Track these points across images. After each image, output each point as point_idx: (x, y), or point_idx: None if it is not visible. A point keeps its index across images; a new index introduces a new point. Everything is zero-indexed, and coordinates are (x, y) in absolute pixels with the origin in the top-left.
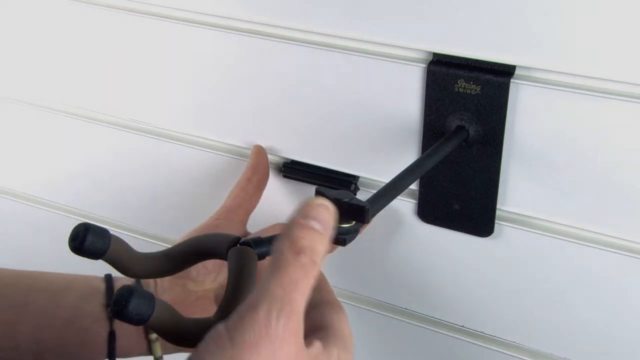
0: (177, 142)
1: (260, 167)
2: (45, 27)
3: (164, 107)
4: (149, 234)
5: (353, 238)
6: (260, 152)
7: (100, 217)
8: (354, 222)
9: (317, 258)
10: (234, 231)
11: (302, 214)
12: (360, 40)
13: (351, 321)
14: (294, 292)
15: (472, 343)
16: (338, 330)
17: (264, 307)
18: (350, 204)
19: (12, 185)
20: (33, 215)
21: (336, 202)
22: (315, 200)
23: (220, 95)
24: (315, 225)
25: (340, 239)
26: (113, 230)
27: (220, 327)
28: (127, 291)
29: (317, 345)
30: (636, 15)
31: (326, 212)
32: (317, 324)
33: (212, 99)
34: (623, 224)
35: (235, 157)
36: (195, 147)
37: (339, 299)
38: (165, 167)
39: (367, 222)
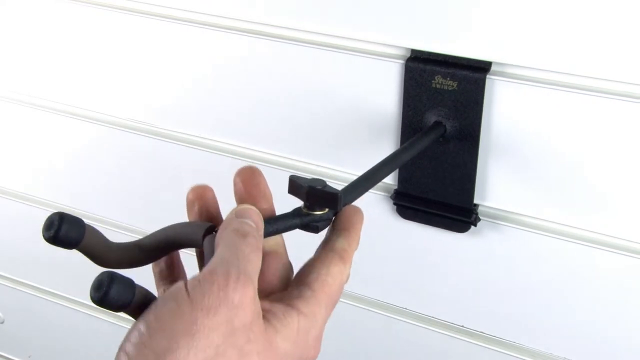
0: (177, 142)
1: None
2: (44, 27)
3: (163, 107)
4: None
5: (326, 225)
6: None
7: (100, 217)
8: (326, 210)
9: (260, 240)
10: None
11: (237, 214)
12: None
13: (350, 321)
14: (248, 264)
15: (472, 343)
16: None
17: (222, 272)
18: (323, 191)
19: (12, 185)
20: (31, 214)
21: (310, 189)
22: (245, 205)
23: (217, 94)
24: (249, 222)
25: (313, 226)
26: (113, 230)
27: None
28: (108, 277)
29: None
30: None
31: (255, 214)
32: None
33: (211, 98)
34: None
35: (235, 157)
36: (195, 147)
37: (342, 299)
38: (166, 167)
39: (339, 209)
